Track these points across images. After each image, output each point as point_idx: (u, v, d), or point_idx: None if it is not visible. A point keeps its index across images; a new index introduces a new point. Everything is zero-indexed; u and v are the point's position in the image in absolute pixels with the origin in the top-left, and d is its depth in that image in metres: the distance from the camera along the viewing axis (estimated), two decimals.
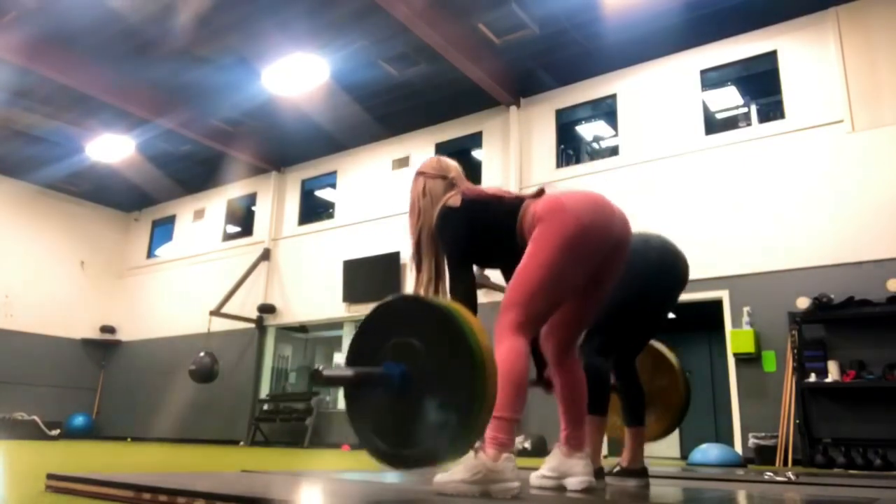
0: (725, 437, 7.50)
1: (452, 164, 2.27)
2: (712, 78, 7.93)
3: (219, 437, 10.50)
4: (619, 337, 2.56)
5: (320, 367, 1.56)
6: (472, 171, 9.65)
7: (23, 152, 11.17)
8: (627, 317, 2.52)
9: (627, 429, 2.59)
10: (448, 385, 1.52)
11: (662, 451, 9.16)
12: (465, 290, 2.01)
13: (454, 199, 2.11)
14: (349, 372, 1.64)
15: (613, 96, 8.49)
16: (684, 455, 8.40)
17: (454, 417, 1.49)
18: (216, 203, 12.65)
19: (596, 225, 1.92)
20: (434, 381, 1.55)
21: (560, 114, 8.94)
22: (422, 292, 2.08)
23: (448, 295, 2.04)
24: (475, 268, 2.15)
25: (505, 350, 1.84)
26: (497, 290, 7.23)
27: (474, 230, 2.07)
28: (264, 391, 10.84)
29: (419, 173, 2.25)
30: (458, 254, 2.07)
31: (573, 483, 2.07)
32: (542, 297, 1.91)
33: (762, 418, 6.43)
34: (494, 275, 6.32)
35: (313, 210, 11.57)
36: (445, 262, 2.10)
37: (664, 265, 2.58)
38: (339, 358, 11.46)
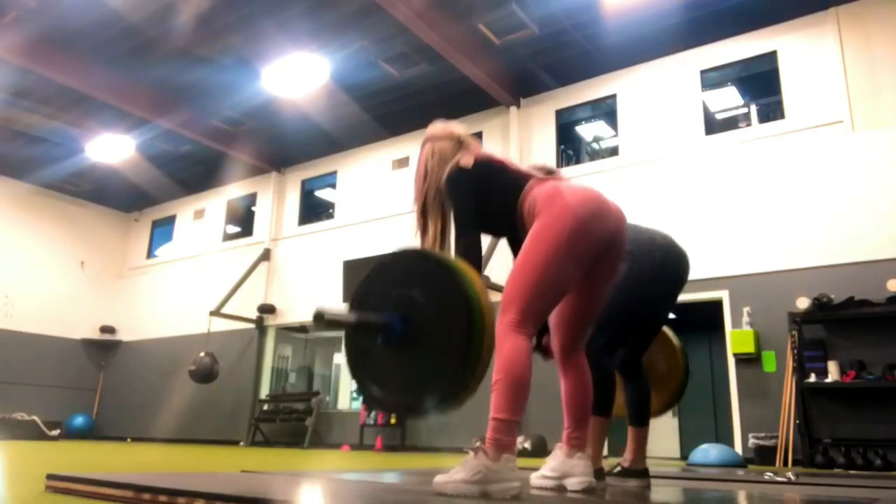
0: (725, 438, 7.50)
1: (459, 126, 2.25)
2: (712, 78, 7.93)
3: (219, 437, 10.50)
4: (624, 334, 2.56)
5: (324, 309, 1.60)
6: None
7: (23, 152, 11.17)
8: (631, 314, 2.53)
9: (630, 428, 2.59)
10: (446, 336, 1.56)
11: (662, 451, 9.16)
12: (472, 250, 1.99)
13: (466, 160, 2.10)
14: (352, 317, 1.67)
15: (613, 96, 8.49)
16: (684, 455, 8.40)
17: (451, 367, 1.53)
18: (216, 203, 12.65)
19: (592, 222, 1.93)
20: (433, 331, 1.59)
21: (560, 114, 8.94)
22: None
23: (453, 254, 2.02)
24: None
25: (506, 350, 1.82)
26: (496, 290, 7.22)
27: (482, 193, 2.06)
28: (264, 391, 10.84)
29: (427, 139, 2.23)
30: (467, 214, 2.04)
31: (573, 483, 2.06)
32: (539, 296, 1.90)
33: (762, 418, 6.42)
34: (493, 274, 6.32)
35: (313, 210, 11.57)
36: (452, 222, 2.07)
37: (668, 264, 2.59)
38: (340, 358, 11.46)
